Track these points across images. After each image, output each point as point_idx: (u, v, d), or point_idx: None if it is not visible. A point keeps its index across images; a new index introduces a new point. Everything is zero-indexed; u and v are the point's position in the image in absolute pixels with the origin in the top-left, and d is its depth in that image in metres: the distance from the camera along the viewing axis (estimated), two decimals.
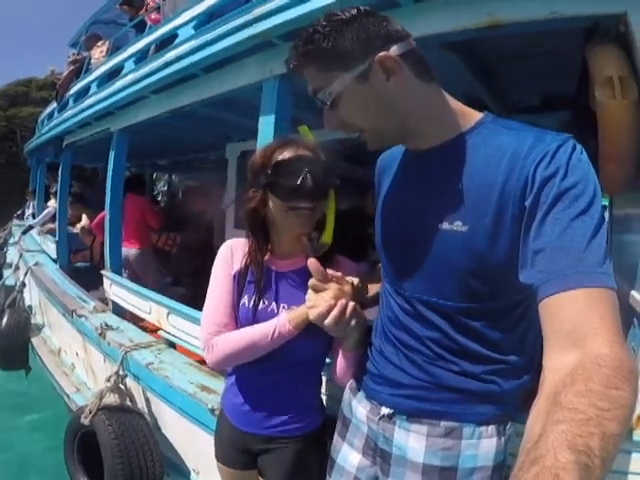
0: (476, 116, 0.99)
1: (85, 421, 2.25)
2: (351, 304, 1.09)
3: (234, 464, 1.47)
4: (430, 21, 1.48)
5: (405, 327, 1.06)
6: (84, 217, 6.02)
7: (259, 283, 1.33)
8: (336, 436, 1.26)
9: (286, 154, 1.25)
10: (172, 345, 2.81)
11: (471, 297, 0.96)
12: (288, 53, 0.98)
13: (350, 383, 1.26)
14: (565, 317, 0.72)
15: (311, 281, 1.10)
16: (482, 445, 0.99)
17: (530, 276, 0.80)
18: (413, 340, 1.04)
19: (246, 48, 2.11)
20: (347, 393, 1.26)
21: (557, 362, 0.70)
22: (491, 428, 1.00)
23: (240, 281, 1.36)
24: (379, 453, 1.11)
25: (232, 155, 4.64)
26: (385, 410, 1.08)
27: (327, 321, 1.05)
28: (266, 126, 2.04)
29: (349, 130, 0.99)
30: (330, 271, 1.14)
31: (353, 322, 1.10)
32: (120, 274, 3.88)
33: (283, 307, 1.31)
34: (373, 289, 1.29)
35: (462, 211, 0.92)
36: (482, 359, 0.98)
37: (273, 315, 1.30)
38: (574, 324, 0.71)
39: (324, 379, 1.50)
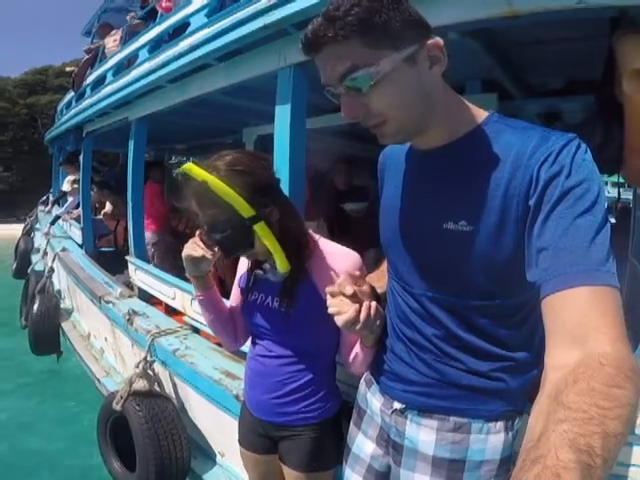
0: (482, 115, 0.96)
1: (117, 407, 2.30)
2: (374, 304, 1.07)
3: (256, 449, 1.52)
4: (449, 10, 1.41)
5: (414, 325, 1.06)
6: (107, 204, 6.10)
7: (247, 283, 1.49)
8: (352, 425, 1.30)
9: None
10: (196, 330, 2.84)
11: (479, 295, 0.95)
12: (315, 24, 0.83)
13: (365, 375, 1.28)
14: (567, 315, 0.71)
15: (329, 288, 1.08)
16: (490, 440, 1.00)
17: (534, 274, 0.79)
18: (422, 338, 1.04)
19: (260, 37, 2.06)
20: (362, 385, 1.28)
21: (559, 360, 0.69)
22: (499, 424, 1.01)
23: (243, 282, 1.51)
24: (392, 444, 1.14)
25: (249, 139, 4.59)
26: (397, 405, 1.10)
27: (358, 327, 1.03)
28: (282, 115, 2.00)
29: (370, 120, 0.89)
30: (347, 272, 1.12)
31: (378, 322, 1.10)
32: (144, 259, 3.91)
33: (275, 300, 1.39)
34: (384, 284, 1.26)
35: (467, 211, 0.91)
36: (489, 356, 0.98)
37: (268, 307, 1.40)
38: (576, 322, 0.69)
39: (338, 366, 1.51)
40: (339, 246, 1.39)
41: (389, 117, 0.87)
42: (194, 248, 1.31)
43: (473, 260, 0.91)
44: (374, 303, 1.07)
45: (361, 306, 1.05)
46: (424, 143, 0.99)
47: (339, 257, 1.34)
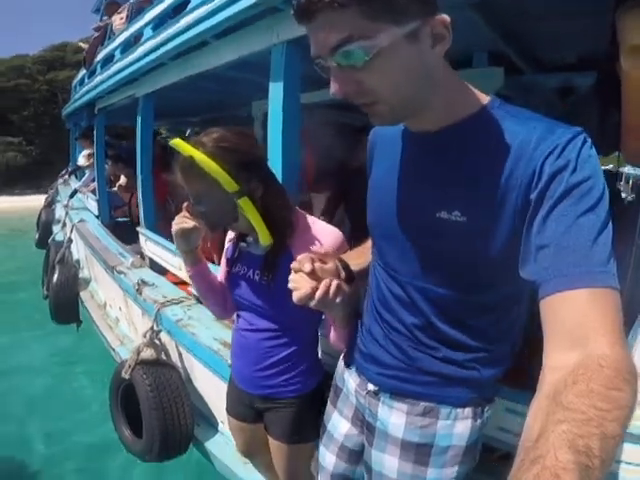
0: (484, 99, 0.88)
1: (125, 375, 2.34)
2: (335, 282, 1.03)
3: (243, 418, 1.58)
4: None
5: (394, 311, 1.03)
6: (122, 176, 6.10)
7: (232, 255, 1.52)
8: (329, 403, 1.30)
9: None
10: (201, 301, 2.85)
11: (466, 287, 0.92)
12: None
13: (343, 354, 1.27)
14: (567, 316, 0.68)
15: (293, 263, 1.05)
16: (457, 426, 1.00)
17: (533, 272, 0.76)
18: (401, 325, 1.02)
19: (253, 14, 1.99)
20: (340, 363, 1.28)
21: (558, 361, 0.66)
22: (467, 410, 1.00)
23: (229, 253, 1.54)
24: (365, 425, 1.14)
25: (258, 112, 4.52)
26: (371, 386, 1.10)
27: (313, 303, 1.00)
28: (275, 93, 1.96)
29: (361, 98, 0.81)
30: (314, 249, 1.12)
31: (338, 299, 1.04)
32: (154, 231, 3.92)
33: (256, 273, 1.42)
34: (364, 262, 1.23)
35: (461, 200, 0.85)
36: (466, 348, 0.97)
37: (249, 279, 1.43)
38: (576, 323, 0.67)
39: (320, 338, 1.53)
40: (323, 223, 1.40)
41: (382, 96, 0.79)
42: (184, 221, 1.34)
43: (464, 252, 0.88)
44: (335, 282, 1.03)
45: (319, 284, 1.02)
46: (419, 125, 0.92)
47: (321, 234, 1.35)
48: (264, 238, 1.30)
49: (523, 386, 1.10)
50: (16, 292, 7.97)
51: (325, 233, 1.36)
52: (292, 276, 1.04)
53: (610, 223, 0.73)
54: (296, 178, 2.00)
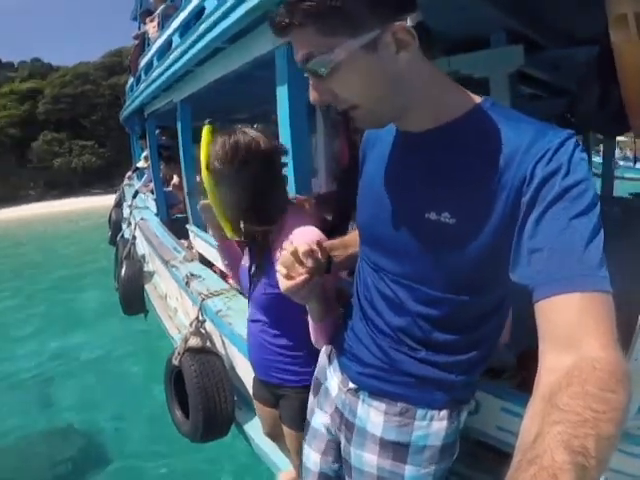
0: (474, 100, 0.86)
1: (175, 362, 2.49)
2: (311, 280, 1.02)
3: (266, 401, 1.66)
4: None
5: (380, 311, 1.01)
6: (175, 176, 6.35)
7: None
8: (311, 398, 1.28)
9: None
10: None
11: (454, 288, 0.90)
12: (280, 8, 0.77)
13: (326, 349, 1.26)
14: (561, 320, 0.67)
15: (287, 244, 1.04)
16: (433, 427, 0.99)
17: (525, 276, 0.74)
18: (386, 326, 1.00)
19: (254, 18, 2.02)
20: (323, 358, 1.26)
21: (553, 364, 0.66)
22: (443, 412, 0.99)
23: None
24: (344, 422, 1.12)
25: None
26: (352, 385, 1.09)
27: (297, 298, 1.03)
28: (282, 96, 1.99)
29: (340, 105, 0.84)
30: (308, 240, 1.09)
31: (310, 294, 1.05)
32: (201, 227, 4.07)
33: (254, 266, 1.51)
34: (342, 253, 1.21)
35: (451, 202, 0.84)
36: (447, 350, 0.96)
37: (249, 271, 1.53)
38: (570, 327, 0.66)
39: None
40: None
41: (357, 103, 0.81)
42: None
43: (453, 254, 0.86)
44: (316, 279, 1.01)
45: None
46: (407, 127, 0.91)
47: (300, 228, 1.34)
48: (229, 231, 1.43)
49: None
50: None
51: (306, 228, 1.34)
52: (282, 259, 1.01)
53: (602, 227, 0.71)
54: (308, 176, 2.03)
